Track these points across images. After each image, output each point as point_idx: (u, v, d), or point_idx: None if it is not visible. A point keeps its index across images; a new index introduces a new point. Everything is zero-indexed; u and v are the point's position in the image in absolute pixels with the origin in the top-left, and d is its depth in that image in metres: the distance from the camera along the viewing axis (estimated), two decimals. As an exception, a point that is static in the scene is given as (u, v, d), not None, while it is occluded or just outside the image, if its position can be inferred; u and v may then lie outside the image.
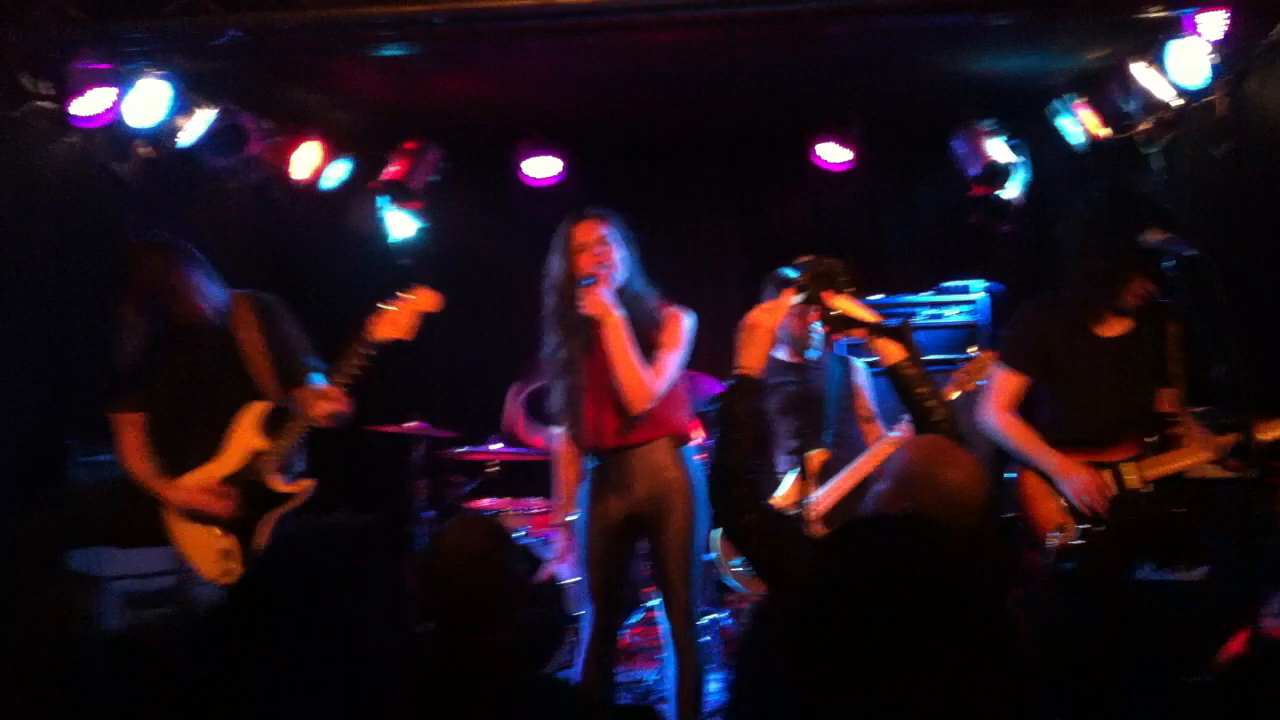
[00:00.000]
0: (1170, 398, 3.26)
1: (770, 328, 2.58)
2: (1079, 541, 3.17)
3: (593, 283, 3.31)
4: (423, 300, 3.36)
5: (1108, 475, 3.21)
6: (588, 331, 3.38)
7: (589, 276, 3.33)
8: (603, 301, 3.29)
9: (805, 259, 2.72)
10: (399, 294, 3.36)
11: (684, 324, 3.44)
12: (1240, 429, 2.91)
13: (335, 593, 1.57)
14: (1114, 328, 3.33)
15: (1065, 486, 3.22)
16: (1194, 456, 3.18)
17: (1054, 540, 3.19)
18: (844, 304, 2.65)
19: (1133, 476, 3.20)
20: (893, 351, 2.62)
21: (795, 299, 2.65)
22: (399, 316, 3.33)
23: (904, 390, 2.61)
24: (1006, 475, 3.42)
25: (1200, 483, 3.17)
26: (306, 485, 3.41)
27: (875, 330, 2.65)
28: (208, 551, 3.36)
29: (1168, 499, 3.19)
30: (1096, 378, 3.30)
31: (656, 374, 3.36)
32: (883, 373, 2.68)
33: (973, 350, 3.89)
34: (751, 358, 2.54)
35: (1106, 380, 3.28)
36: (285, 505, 3.38)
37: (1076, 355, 3.32)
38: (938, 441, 2.37)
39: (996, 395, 3.41)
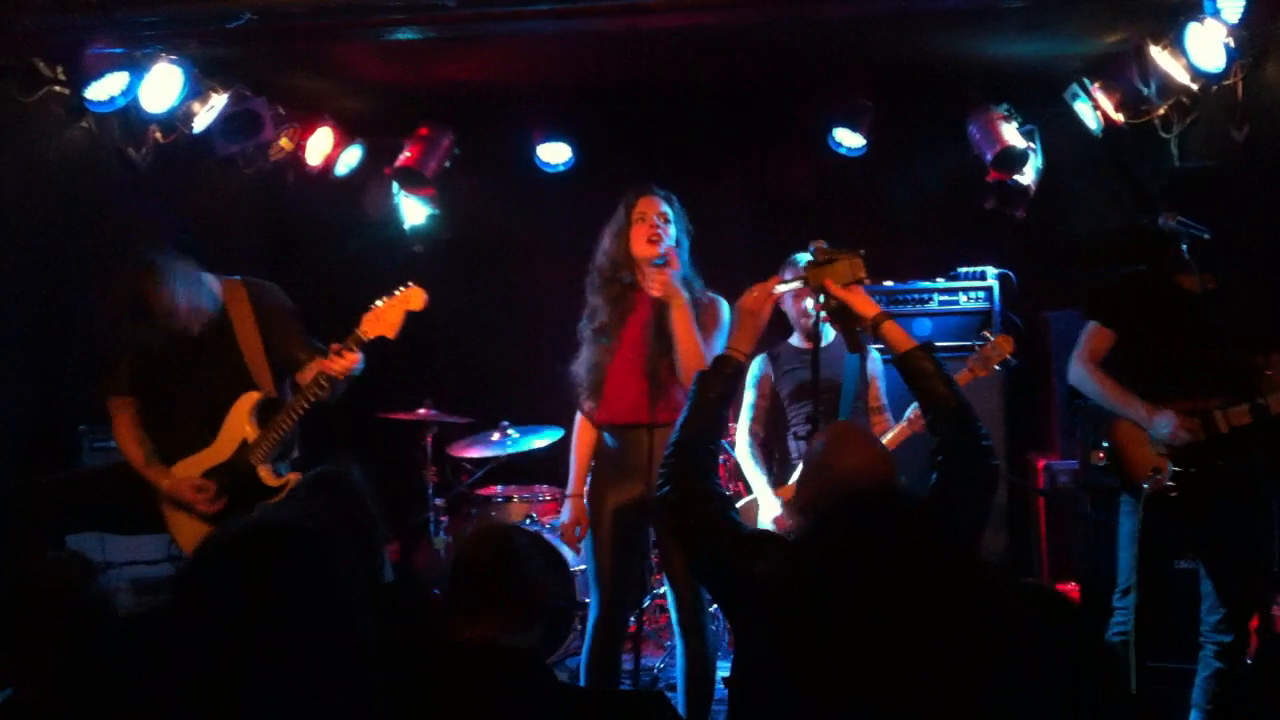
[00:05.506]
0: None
1: (758, 312, 2.59)
2: (1172, 484, 3.18)
3: (664, 263, 3.31)
4: (411, 298, 3.34)
5: (1197, 423, 3.21)
6: (628, 303, 3.37)
7: (660, 257, 3.33)
8: (672, 283, 3.28)
9: (818, 244, 2.67)
10: (393, 292, 3.35)
11: (723, 311, 3.46)
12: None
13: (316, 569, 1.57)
14: (1195, 282, 3.27)
15: (1157, 430, 3.24)
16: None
17: (1149, 484, 3.20)
18: (848, 295, 2.60)
19: (1222, 422, 3.19)
20: (902, 339, 2.56)
21: (793, 285, 2.64)
22: (388, 313, 3.32)
23: (917, 377, 2.53)
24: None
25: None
26: (291, 479, 3.42)
27: (876, 324, 2.58)
28: (197, 538, 3.37)
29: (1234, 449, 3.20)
30: (1183, 329, 3.28)
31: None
32: (892, 360, 2.64)
33: (988, 334, 3.91)
34: (740, 340, 2.57)
35: (1193, 333, 3.26)
36: (270, 498, 3.40)
37: (1165, 307, 3.32)
38: (843, 427, 2.46)
39: (1085, 349, 3.44)
